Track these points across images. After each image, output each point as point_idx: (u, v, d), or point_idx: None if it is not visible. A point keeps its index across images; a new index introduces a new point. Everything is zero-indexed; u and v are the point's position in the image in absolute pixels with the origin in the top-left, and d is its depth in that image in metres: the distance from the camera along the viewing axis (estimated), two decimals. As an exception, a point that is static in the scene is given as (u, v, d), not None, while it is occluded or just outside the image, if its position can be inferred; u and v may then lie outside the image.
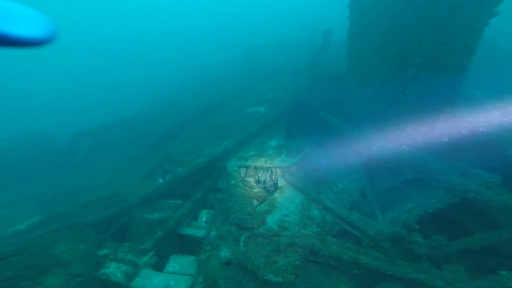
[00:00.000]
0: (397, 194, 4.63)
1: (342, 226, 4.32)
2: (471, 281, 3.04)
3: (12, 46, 0.68)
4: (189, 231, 4.94)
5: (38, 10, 0.75)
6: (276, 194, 4.90)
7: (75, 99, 33.45)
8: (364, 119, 5.43)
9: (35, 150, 11.03)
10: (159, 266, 4.30)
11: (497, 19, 4.25)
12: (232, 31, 30.67)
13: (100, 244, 4.62)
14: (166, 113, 12.61)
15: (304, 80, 9.01)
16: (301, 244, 3.77)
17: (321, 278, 3.65)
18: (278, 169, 5.33)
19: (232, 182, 5.05)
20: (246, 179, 5.39)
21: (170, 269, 4.14)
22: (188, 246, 5.05)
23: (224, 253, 3.88)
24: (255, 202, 4.88)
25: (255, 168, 5.47)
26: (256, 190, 5.08)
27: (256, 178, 5.49)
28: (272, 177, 5.39)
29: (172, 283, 3.84)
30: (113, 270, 4.02)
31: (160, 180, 6.49)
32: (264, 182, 5.44)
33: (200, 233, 4.82)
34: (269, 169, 5.39)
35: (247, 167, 5.52)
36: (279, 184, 5.20)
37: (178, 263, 4.26)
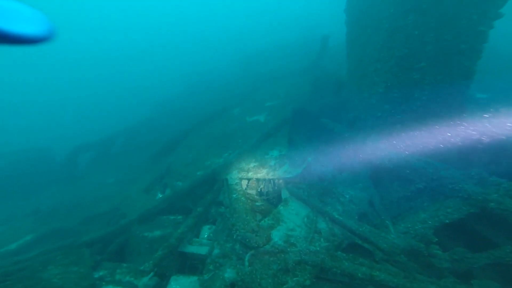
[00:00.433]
0: (407, 204, 4.42)
1: (352, 239, 4.10)
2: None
3: (10, 43, 0.69)
4: (191, 249, 4.72)
5: (36, 9, 0.77)
6: (280, 207, 4.69)
7: (74, 110, 33.37)
8: (368, 126, 5.26)
9: (33, 164, 10.86)
10: (159, 288, 4.08)
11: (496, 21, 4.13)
12: (232, 37, 30.86)
13: (96, 265, 4.38)
14: (166, 122, 12.52)
15: (304, 85, 8.89)
16: (310, 261, 3.55)
17: (333, 298, 3.42)
18: (281, 180, 5.14)
19: (234, 196, 4.84)
20: (248, 191, 5.19)
21: (171, 291, 3.91)
22: (190, 264, 4.83)
23: (229, 273, 3.66)
24: (259, 216, 4.68)
25: (257, 180, 5.27)
26: (259, 203, 4.88)
27: (259, 190, 5.29)
28: (275, 188, 5.19)
29: (173, 307, 3.61)
30: (110, 294, 3.80)
31: (160, 195, 6.28)
32: (267, 194, 5.24)
33: (203, 250, 4.59)
34: (271, 181, 5.20)
35: (249, 179, 5.33)
36: (283, 196, 4.99)
37: (180, 284, 4.02)
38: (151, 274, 4.18)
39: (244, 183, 5.38)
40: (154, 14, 52.85)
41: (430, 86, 4.21)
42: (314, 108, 7.72)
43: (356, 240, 4.04)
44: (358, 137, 5.35)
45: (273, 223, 4.37)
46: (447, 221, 3.55)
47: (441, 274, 3.23)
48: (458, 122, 3.74)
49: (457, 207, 3.47)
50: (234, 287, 3.44)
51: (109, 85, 37.78)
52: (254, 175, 5.35)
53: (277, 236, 4.13)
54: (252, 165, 5.67)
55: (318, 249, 3.87)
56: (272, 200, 5.15)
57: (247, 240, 3.84)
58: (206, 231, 5.00)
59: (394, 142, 4.67)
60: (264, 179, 5.24)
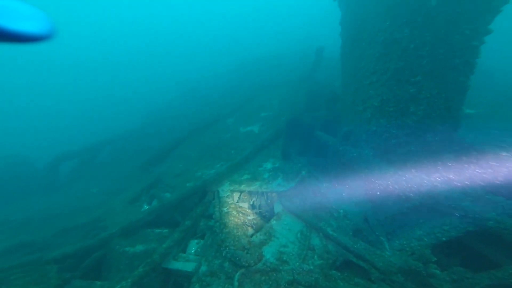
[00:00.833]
0: (402, 220, 4.28)
1: (346, 257, 3.91)
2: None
3: (10, 41, 0.70)
4: (176, 265, 4.43)
5: (36, 8, 0.76)
6: (273, 221, 4.49)
7: (64, 117, 32.55)
8: (363, 140, 5.18)
9: (8, 172, 10.25)
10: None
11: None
12: (227, 45, 31.08)
13: (64, 283, 3.98)
14: (157, 131, 12.20)
15: (299, 96, 8.84)
16: (303, 281, 3.33)
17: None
18: (274, 194, 4.96)
19: (225, 209, 4.61)
20: (240, 204, 4.97)
21: (153, 313, 3.59)
22: (174, 281, 4.52)
23: (216, 294, 3.40)
24: (250, 230, 4.45)
25: (250, 192, 5.07)
26: (250, 217, 4.66)
27: (251, 203, 5.08)
28: (268, 202, 4.99)
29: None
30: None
31: (146, 207, 5.95)
32: (260, 207, 5.03)
33: (189, 267, 4.31)
34: (264, 194, 5.01)
35: (241, 192, 5.12)
36: (276, 210, 4.80)
37: (162, 305, 3.72)
38: (130, 293, 3.85)
39: (236, 195, 5.17)
40: (149, 22, 53.15)
41: (426, 101, 4.18)
42: (308, 120, 7.65)
43: (351, 257, 3.86)
44: (353, 151, 5.24)
45: (265, 238, 4.15)
46: (444, 238, 3.43)
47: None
48: (465, 160, 3.64)
49: (454, 224, 3.35)
50: (221, 310, 3.18)
51: (101, 92, 37.23)
52: (246, 187, 5.15)
53: (269, 252, 3.91)
54: (244, 177, 5.48)
55: (311, 267, 3.66)
56: (264, 214, 4.95)
57: (237, 258, 3.61)
58: (193, 246, 4.72)
59: (390, 157, 4.58)
60: (257, 192, 5.05)
